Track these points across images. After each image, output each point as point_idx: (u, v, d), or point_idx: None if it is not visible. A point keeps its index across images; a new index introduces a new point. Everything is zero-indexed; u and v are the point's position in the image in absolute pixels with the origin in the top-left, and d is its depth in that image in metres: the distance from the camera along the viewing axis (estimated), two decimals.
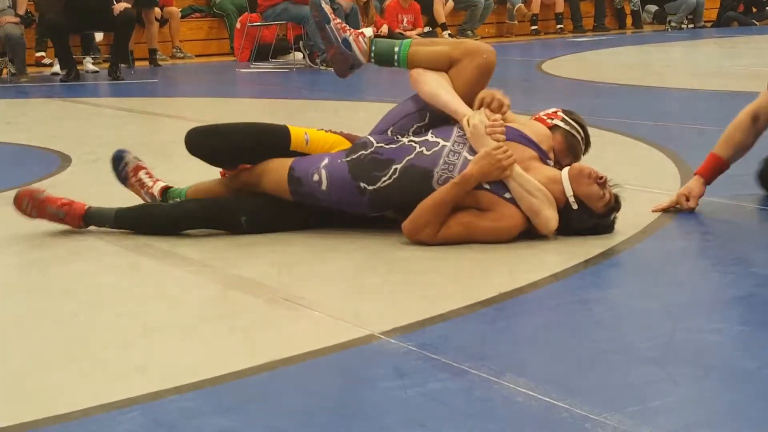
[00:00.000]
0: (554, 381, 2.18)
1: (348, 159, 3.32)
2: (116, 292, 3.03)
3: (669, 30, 15.06)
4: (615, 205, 3.31)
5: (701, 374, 2.24)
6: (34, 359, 2.48)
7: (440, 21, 13.49)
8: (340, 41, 3.43)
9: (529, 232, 3.30)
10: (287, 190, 3.37)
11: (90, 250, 3.48)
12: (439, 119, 3.37)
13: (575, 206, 3.27)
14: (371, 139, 3.38)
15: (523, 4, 14.33)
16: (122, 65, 10.09)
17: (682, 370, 2.26)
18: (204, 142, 3.53)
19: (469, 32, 13.78)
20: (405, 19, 12.86)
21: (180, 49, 12.21)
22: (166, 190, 3.69)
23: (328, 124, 3.73)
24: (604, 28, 14.97)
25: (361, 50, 3.44)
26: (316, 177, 3.30)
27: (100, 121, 7.33)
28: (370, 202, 3.33)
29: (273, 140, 3.50)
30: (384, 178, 3.28)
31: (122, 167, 3.78)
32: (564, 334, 2.61)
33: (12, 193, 4.27)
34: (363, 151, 3.32)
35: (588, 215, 3.29)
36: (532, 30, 14.48)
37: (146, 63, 11.40)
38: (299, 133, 3.52)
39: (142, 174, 3.75)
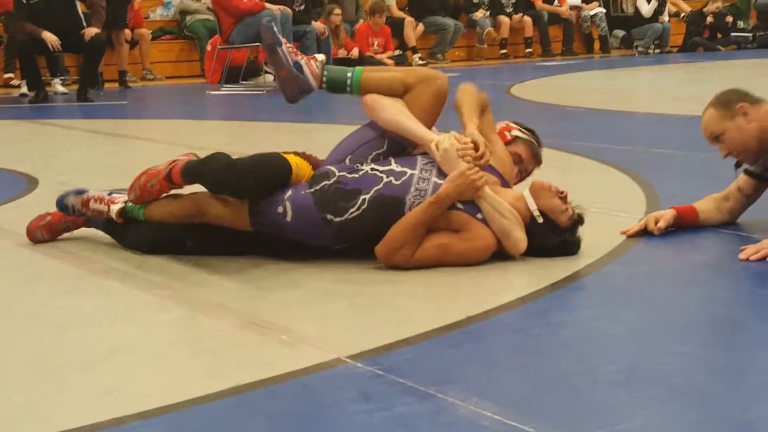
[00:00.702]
0: (520, 404, 2.18)
1: (312, 190, 3.27)
2: (82, 316, 3.01)
3: (636, 55, 15.20)
4: (579, 219, 3.35)
5: (666, 397, 2.25)
6: None
7: (410, 44, 13.55)
8: (292, 64, 3.37)
9: (497, 254, 3.31)
10: (247, 222, 3.30)
11: (56, 272, 3.46)
12: (398, 145, 3.36)
13: (540, 220, 3.29)
14: (332, 168, 3.32)
15: (492, 29, 14.42)
16: (92, 88, 10.06)
17: (647, 393, 2.27)
18: (235, 184, 3.27)
19: (440, 56, 13.86)
20: (375, 43, 12.92)
21: (150, 71, 12.19)
22: (123, 210, 3.55)
23: (299, 147, 3.72)
24: (572, 53, 15.09)
25: (313, 74, 3.39)
26: (280, 209, 3.25)
27: (68, 143, 7.29)
28: (336, 234, 3.29)
29: (279, 177, 3.34)
30: (352, 210, 3.25)
31: (72, 211, 3.69)
32: (530, 357, 2.61)
33: None
34: (326, 182, 3.27)
35: (553, 231, 3.32)
36: (502, 54, 14.58)
37: (116, 85, 11.36)
38: (293, 165, 3.38)
39: (93, 204, 3.62)
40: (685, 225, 3.72)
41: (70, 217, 3.73)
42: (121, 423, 2.14)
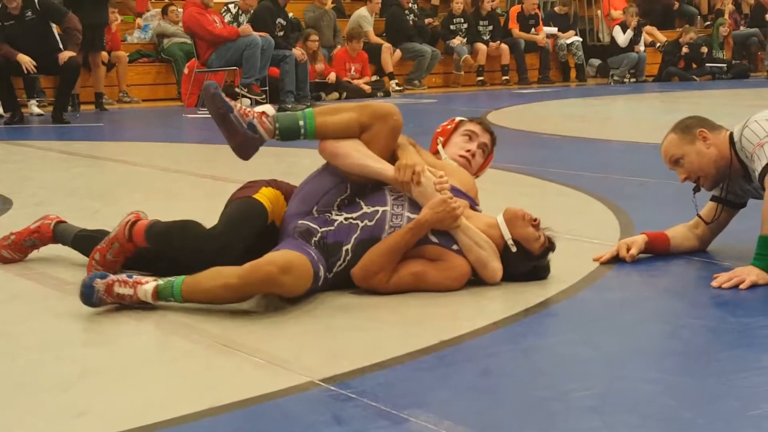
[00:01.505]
0: (493, 429, 2.19)
1: (315, 247, 3.24)
2: (56, 336, 3.00)
3: (612, 84, 15.31)
4: (550, 245, 3.38)
5: (639, 423, 2.26)
6: None
7: (387, 70, 13.61)
8: (246, 127, 3.30)
9: (471, 280, 3.33)
10: (309, 283, 3.17)
11: (30, 293, 3.45)
12: (359, 186, 3.34)
13: (514, 249, 3.31)
14: (309, 224, 3.28)
15: (469, 56, 14.48)
16: (67, 110, 10.06)
17: (619, 419, 2.28)
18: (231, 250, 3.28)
19: (416, 82, 13.92)
20: (353, 68, 12.95)
21: (127, 94, 12.18)
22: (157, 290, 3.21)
23: (272, 170, 3.73)
24: (548, 81, 15.17)
25: (266, 130, 3.33)
26: (320, 271, 3.21)
27: (44, 164, 7.26)
28: (331, 286, 3.29)
29: (260, 223, 3.41)
30: (339, 263, 3.27)
31: (96, 300, 3.18)
32: (503, 381, 2.62)
33: None
34: (314, 238, 3.26)
35: (526, 258, 3.35)
36: (478, 81, 14.66)
37: (92, 107, 11.33)
38: (268, 206, 3.42)
39: (117, 288, 3.17)
40: (657, 251, 3.76)
41: (35, 234, 3.72)
42: None
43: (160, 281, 3.14)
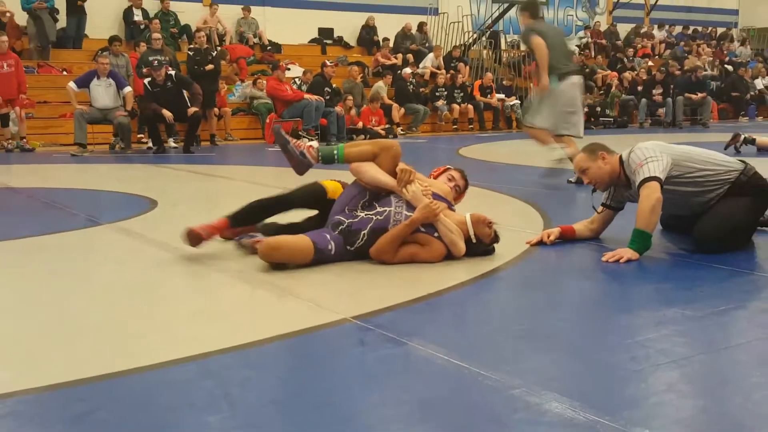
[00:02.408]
0: (460, 350, 2.19)
1: (337, 233, 3.27)
2: (179, 289, 3.01)
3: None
4: (496, 238, 3.40)
5: (551, 348, 2.27)
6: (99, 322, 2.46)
7: (395, 121, 13.52)
8: (298, 154, 3.38)
9: (446, 257, 3.32)
10: (312, 258, 3.20)
11: (165, 261, 3.44)
12: (374, 193, 3.34)
13: (474, 240, 3.35)
14: (341, 218, 3.29)
15: (448, 112, 14.43)
16: (192, 144, 10.10)
17: (540, 345, 2.29)
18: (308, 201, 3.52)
19: (414, 128, 13.84)
20: (373, 119, 12.90)
21: (230, 135, 12.15)
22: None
23: (325, 177, 3.73)
24: (498, 129, 15.06)
25: (312, 156, 3.39)
26: (330, 247, 3.23)
27: (177, 179, 7.26)
28: (354, 256, 3.30)
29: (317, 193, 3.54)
30: (359, 242, 3.27)
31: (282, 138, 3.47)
32: (468, 320, 2.63)
33: (123, 224, 4.28)
34: (342, 227, 3.27)
35: (481, 244, 3.37)
36: (454, 128, 14.58)
37: (208, 143, 11.34)
38: (328, 187, 3.55)
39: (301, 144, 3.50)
40: (567, 238, 3.75)
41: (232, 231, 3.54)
42: (206, 357, 2.16)
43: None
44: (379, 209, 3.31)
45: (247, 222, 3.54)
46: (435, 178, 3.76)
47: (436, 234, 3.30)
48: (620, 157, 3.60)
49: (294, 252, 3.18)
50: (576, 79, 6.47)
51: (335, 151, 3.40)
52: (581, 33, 19.00)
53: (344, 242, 3.28)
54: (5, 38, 10.36)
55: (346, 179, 3.59)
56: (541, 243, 3.66)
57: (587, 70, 16.80)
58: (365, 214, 3.31)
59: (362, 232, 3.27)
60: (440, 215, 3.28)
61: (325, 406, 1.83)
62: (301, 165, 3.42)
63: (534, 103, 6.80)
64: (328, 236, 3.27)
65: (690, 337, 2.32)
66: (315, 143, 3.49)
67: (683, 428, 1.70)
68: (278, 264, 3.16)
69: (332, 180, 3.66)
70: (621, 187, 3.65)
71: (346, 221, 3.29)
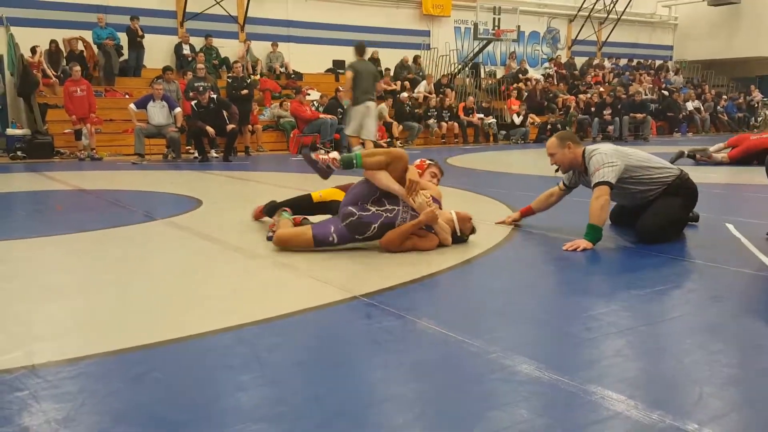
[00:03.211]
0: (451, 323, 2.18)
1: (345, 224, 3.25)
2: (219, 272, 2.99)
3: (512, 144, 15.14)
4: (473, 230, 3.46)
5: (522, 321, 2.25)
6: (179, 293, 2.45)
7: (395, 136, 13.47)
8: (325, 168, 3.41)
9: (438, 246, 3.32)
10: (312, 246, 3.25)
11: (207, 249, 3.42)
12: (386, 193, 3.31)
13: (459, 234, 3.37)
14: (353, 210, 3.26)
15: (437, 128, 14.36)
16: (231, 155, 10.07)
17: (513, 319, 2.28)
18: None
19: (410, 142, 13.77)
20: (378, 134, 12.82)
21: (261, 147, 12.10)
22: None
23: (333, 183, 3.73)
24: (478, 142, 14.97)
25: (334, 164, 3.40)
26: (331, 238, 3.24)
27: (218, 182, 7.23)
28: (364, 245, 3.32)
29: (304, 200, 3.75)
30: (368, 233, 3.26)
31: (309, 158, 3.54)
32: (456, 297, 2.62)
33: (174, 219, 4.26)
34: (351, 218, 3.24)
35: (463, 235, 3.41)
36: (442, 142, 14.51)
37: (243, 153, 11.30)
38: (315, 195, 3.72)
39: (320, 155, 3.54)
40: (526, 214, 3.94)
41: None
42: (240, 327, 2.15)
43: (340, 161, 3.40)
44: (388, 207, 3.29)
45: (273, 213, 3.82)
46: (421, 172, 3.75)
47: (432, 231, 3.33)
48: (583, 150, 3.58)
49: (298, 244, 3.26)
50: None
51: (354, 160, 3.38)
52: (546, 64, 18.90)
53: (352, 233, 3.25)
54: (78, 68, 10.39)
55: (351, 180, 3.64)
56: (504, 223, 3.91)
57: (550, 95, 16.78)
58: (376, 210, 3.28)
59: (373, 225, 3.25)
60: (438, 219, 3.30)
61: (339, 367, 1.83)
62: (324, 172, 3.45)
63: (347, 119, 8.63)
64: (332, 227, 3.26)
65: (634, 312, 2.31)
66: (335, 154, 3.50)
67: (628, 386, 1.70)
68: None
69: (333, 188, 3.80)
70: (581, 173, 3.65)
71: (357, 213, 3.26)
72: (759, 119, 18.85)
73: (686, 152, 8.51)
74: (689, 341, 2.03)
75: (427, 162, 3.92)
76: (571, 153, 3.58)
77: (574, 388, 1.67)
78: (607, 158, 3.42)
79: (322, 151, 3.64)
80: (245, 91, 11.35)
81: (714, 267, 2.98)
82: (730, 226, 3.87)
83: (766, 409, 1.57)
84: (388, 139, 13.11)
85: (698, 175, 3.90)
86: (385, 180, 3.29)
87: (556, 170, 3.69)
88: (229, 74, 12.04)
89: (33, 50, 11.28)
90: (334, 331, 2.16)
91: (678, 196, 3.53)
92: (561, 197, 3.86)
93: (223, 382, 1.74)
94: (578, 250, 3.25)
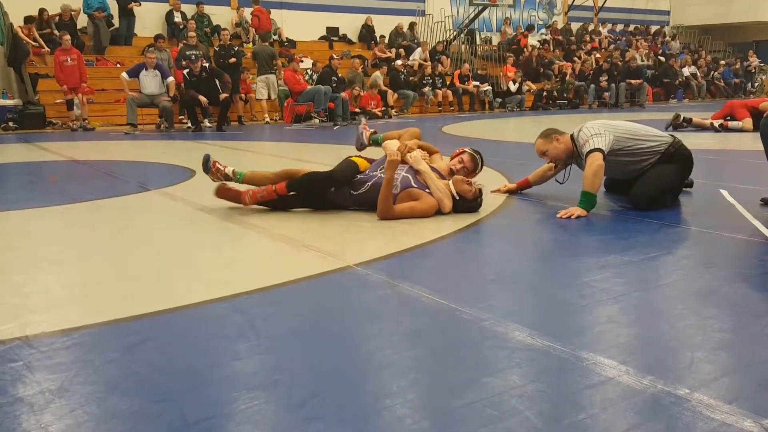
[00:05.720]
0: (443, 291, 2.19)
1: (351, 189, 3.41)
2: (215, 242, 2.98)
3: (507, 111, 15.03)
4: (479, 194, 3.40)
5: (516, 288, 2.25)
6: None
7: (390, 104, 13.33)
8: (364, 141, 3.92)
9: (437, 212, 3.31)
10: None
11: (201, 220, 3.40)
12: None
13: (458, 197, 3.35)
14: (364, 177, 3.40)
15: (432, 96, 14.23)
16: (224, 124, 9.97)
17: (508, 286, 2.28)
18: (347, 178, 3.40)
19: (405, 111, 13.67)
20: (372, 103, 12.72)
21: (255, 116, 12.01)
22: (233, 172, 3.69)
23: (332, 158, 3.69)
24: (474, 110, 14.88)
25: (368, 139, 3.91)
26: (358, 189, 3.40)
27: (212, 153, 7.17)
28: (353, 203, 3.40)
29: (353, 170, 3.45)
30: (361, 189, 3.35)
31: (207, 164, 3.71)
32: (450, 266, 2.61)
33: (168, 190, 4.22)
34: (359, 178, 3.41)
35: (465, 201, 3.37)
36: (438, 110, 14.40)
37: (237, 122, 11.18)
38: (361, 163, 3.48)
39: (218, 165, 3.72)
40: (523, 187, 3.95)
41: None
42: (236, 297, 2.15)
43: (233, 169, 3.62)
44: (381, 174, 3.37)
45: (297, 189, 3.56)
46: (452, 158, 3.71)
47: (428, 190, 3.30)
48: (571, 135, 3.57)
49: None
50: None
51: (379, 137, 3.81)
52: (543, 30, 18.66)
53: (348, 187, 3.36)
54: (68, 37, 10.21)
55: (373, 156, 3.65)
56: (499, 191, 3.93)
57: (546, 60, 16.59)
58: (374, 173, 3.40)
59: (367, 183, 3.35)
60: (424, 172, 3.31)
61: (335, 336, 1.83)
62: (362, 147, 3.92)
63: None
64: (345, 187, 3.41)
65: (627, 278, 2.31)
66: (375, 133, 3.91)
67: (620, 351, 1.71)
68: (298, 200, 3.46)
69: (359, 157, 3.61)
70: (577, 158, 3.63)
71: (364, 176, 3.39)
72: (756, 85, 18.73)
73: (682, 116, 8.51)
74: (682, 307, 2.04)
75: (466, 149, 3.75)
76: (560, 143, 3.58)
77: (567, 354, 1.67)
78: (594, 130, 3.44)
79: (220, 164, 3.64)
80: (233, 60, 11.17)
81: (708, 233, 2.98)
82: (725, 192, 3.87)
83: (757, 374, 1.58)
84: (383, 108, 12.99)
85: (693, 141, 3.89)
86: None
87: (555, 166, 3.71)
88: (219, 42, 11.85)
89: (29, 19, 11.07)
90: (328, 300, 2.16)
91: (672, 162, 3.51)
92: (558, 171, 3.83)
93: (219, 350, 1.74)
94: (572, 217, 3.25)
